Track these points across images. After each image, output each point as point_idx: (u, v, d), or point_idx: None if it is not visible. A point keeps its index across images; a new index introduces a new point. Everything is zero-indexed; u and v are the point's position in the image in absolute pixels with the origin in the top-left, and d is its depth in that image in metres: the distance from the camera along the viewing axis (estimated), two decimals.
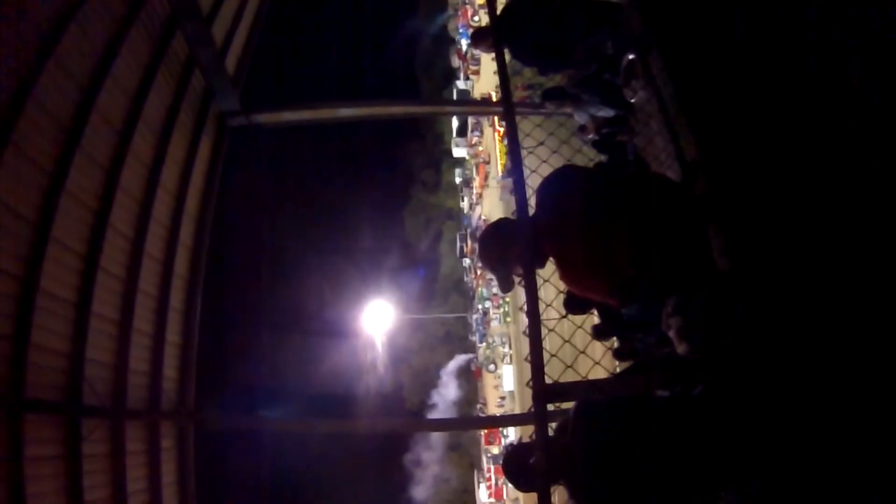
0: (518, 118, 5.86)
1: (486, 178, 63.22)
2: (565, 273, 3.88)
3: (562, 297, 4.60)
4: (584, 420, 3.47)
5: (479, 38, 6.07)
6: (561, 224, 3.80)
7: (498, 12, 5.41)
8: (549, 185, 3.98)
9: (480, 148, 65.66)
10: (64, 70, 4.63)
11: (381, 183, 70.64)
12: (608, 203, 3.78)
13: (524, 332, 3.42)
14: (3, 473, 4.01)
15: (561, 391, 3.39)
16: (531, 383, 3.29)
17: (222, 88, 7.20)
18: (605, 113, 5.79)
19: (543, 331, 3.47)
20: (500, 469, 4.00)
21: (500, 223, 4.07)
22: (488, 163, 62.15)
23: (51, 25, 4.50)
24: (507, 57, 5.30)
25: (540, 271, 3.73)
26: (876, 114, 3.18)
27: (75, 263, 4.89)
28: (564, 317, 4.74)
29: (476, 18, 62.31)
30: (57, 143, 4.62)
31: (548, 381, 3.28)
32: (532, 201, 3.92)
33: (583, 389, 3.54)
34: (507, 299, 55.25)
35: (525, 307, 3.45)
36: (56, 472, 4.62)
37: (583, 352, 4.54)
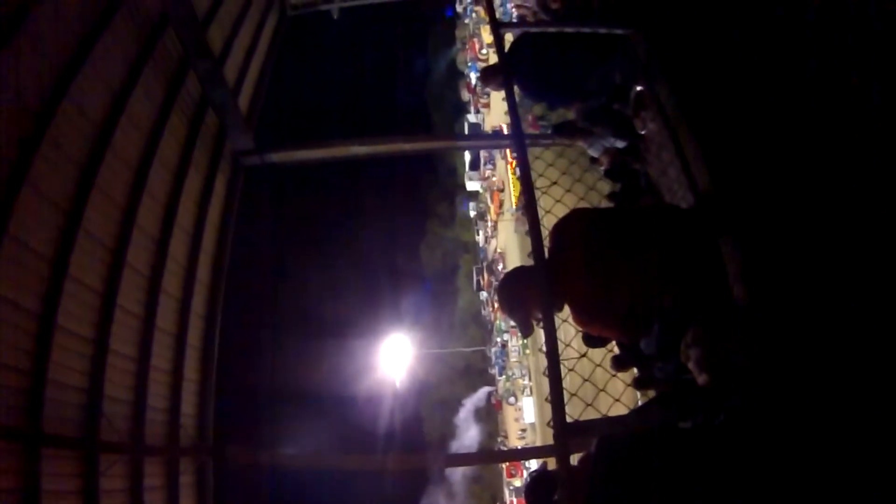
0: (531, 156, 5.95)
1: (500, 205, 63.18)
2: (578, 315, 3.92)
3: (580, 334, 4.62)
4: (606, 456, 3.47)
5: (489, 76, 6.14)
6: (572, 267, 3.84)
7: (505, 50, 5.48)
8: (561, 229, 4.04)
9: (494, 178, 65.68)
10: (80, 109, 4.73)
11: (396, 218, 70.67)
12: (617, 245, 3.83)
13: (544, 373, 3.46)
14: None
15: (581, 429, 3.42)
16: (551, 422, 3.33)
17: (235, 127, 7.30)
18: (617, 144, 5.82)
19: (563, 370, 3.51)
20: (523, 502, 3.98)
21: (517, 271, 4.14)
22: (503, 190, 62.13)
23: (66, 65, 4.60)
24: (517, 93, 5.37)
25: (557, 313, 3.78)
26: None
27: (93, 301, 4.95)
28: (584, 355, 4.77)
29: (484, 51, 62.82)
30: (73, 182, 4.69)
31: (568, 418, 3.31)
32: (546, 244, 3.99)
33: (603, 426, 3.57)
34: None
35: (544, 347, 3.49)
36: None
37: (602, 389, 4.57)
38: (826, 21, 3.63)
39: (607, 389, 4.64)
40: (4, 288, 3.96)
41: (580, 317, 3.91)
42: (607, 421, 3.67)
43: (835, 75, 3.55)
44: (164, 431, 5.99)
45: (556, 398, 3.32)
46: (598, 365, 4.70)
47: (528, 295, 3.88)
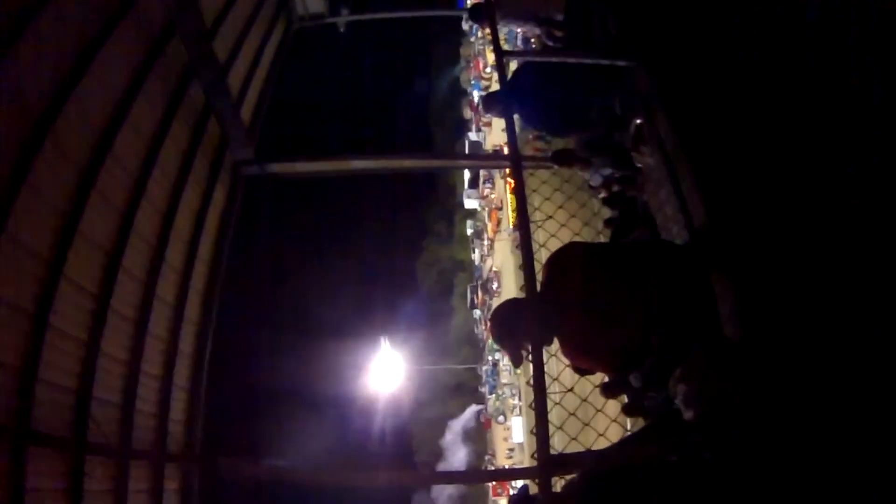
0: (534, 185, 5.98)
1: (498, 223, 63.28)
2: (568, 350, 3.96)
3: (568, 367, 4.65)
4: (593, 493, 3.49)
5: (490, 104, 6.20)
6: (563, 303, 3.88)
7: (508, 77, 5.53)
8: (555, 263, 4.08)
9: (493, 195, 65.82)
10: (82, 113, 4.75)
11: (393, 234, 70.73)
12: (609, 282, 3.87)
13: (531, 406, 3.49)
14: (4, 502, 4.02)
15: (567, 462, 3.44)
16: (536, 455, 3.35)
17: (237, 138, 7.33)
18: (615, 173, 5.87)
19: (550, 403, 3.53)
20: None
21: (510, 303, 4.18)
22: (500, 209, 62.25)
23: (70, 69, 4.64)
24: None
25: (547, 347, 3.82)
26: None
27: (87, 303, 4.95)
28: (570, 390, 4.80)
29: (488, 70, 63.20)
30: (73, 184, 4.71)
31: (554, 449, 3.34)
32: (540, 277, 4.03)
33: (588, 460, 3.59)
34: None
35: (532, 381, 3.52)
36: None
37: (587, 424, 4.60)
38: (826, 47, 3.67)
39: (594, 423, 4.67)
40: (2, 286, 3.97)
41: (570, 351, 3.94)
42: (592, 455, 3.69)
43: (835, 108, 3.59)
44: (152, 437, 5.97)
45: (542, 430, 3.34)
46: (584, 400, 4.73)
47: (519, 327, 3.91)
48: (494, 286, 63.39)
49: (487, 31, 6.36)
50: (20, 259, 4.18)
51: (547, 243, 5.54)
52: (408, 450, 65.59)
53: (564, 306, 3.88)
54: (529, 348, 3.75)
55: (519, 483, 3.95)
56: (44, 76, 4.39)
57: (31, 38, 4.17)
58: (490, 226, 66.60)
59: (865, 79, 3.43)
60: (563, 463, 3.45)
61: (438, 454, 66.15)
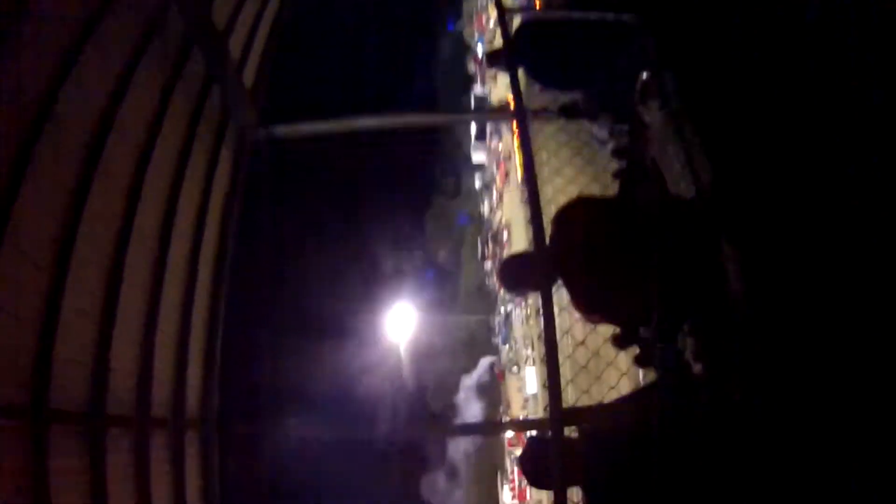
0: (540, 141, 5.94)
1: (506, 175, 63.01)
2: (578, 305, 3.97)
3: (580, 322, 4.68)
4: (596, 443, 3.53)
5: (494, 59, 6.15)
6: (572, 259, 3.88)
7: (512, 33, 5.47)
8: (563, 219, 4.07)
9: (500, 147, 65.46)
10: (83, 90, 4.73)
11: (401, 189, 70.56)
12: (617, 239, 3.86)
13: (542, 360, 3.52)
14: (28, 485, 4.06)
15: (577, 415, 3.48)
16: (549, 405, 3.39)
17: (241, 103, 7.32)
18: (622, 127, 5.84)
19: (561, 357, 3.56)
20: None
21: (517, 255, 4.20)
22: (509, 159, 61.96)
23: (68, 48, 4.60)
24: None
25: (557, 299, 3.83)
26: None
27: (100, 277, 5.00)
28: (581, 343, 4.83)
29: (491, 25, 62.37)
30: (78, 164, 4.72)
31: (570, 397, 3.38)
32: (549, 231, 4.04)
33: (598, 413, 3.63)
34: (530, 301, 55.03)
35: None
36: (81, 481, 4.69)
37: (598, 377, 4.62)
38: (826, 19, 3.63)
39: (606, 376, 4.70)
40: (11, 267, 4.00)
41: (579, 306, 3.96)
42: (602, 408, 3.73)
43: (835, 72, 3.55)
44: (170, 404, 6.06)
45: (554, 385, 3.38)
46: (596, 353, 4.76)
47: (527, 280, 3.95)
48: (504, 238, 63.35)
49: None
50: (30, 237, 4.21)
51: (555, 198, 5.54)
52: (422, 403, 66.10)
53: (572, 262, 3.89)
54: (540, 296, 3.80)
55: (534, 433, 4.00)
56: (42, 55, 4.36)
57: (28, 16, 4.14)
58: (498, 177, 66.32)
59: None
60: (574, 416, 3.49)
61: (453, 407, 66.69)
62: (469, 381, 68.72)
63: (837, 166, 3.49)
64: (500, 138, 65.56)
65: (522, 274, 4.11)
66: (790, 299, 3.63)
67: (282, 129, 8.02)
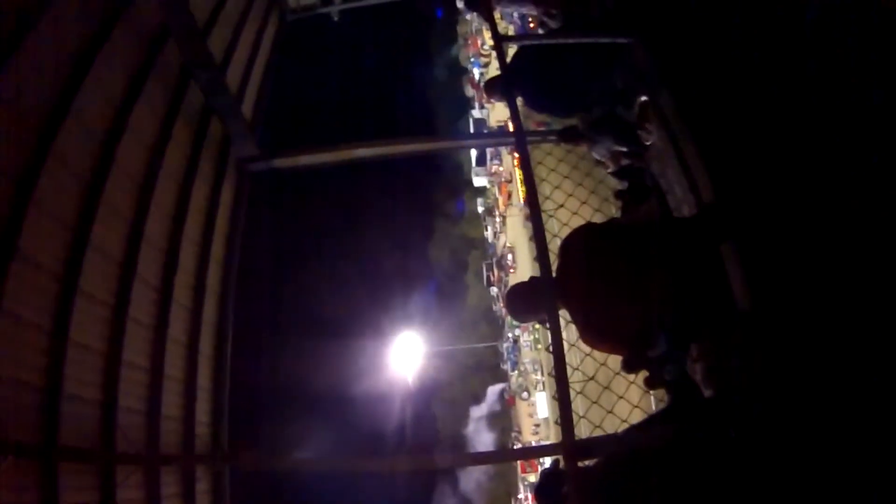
0: (539, 157, 5.95)
1: (509, 197, 63.16)
2: (585, 335, 3.95)
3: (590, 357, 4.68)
4: (614, 470, 3.50)
5: (492, 88, 6.17)
6: (577, 288, 3.88)
7: (508, 60, 5.49)
8: (568, 247, 4.08)
9: (501, 169, 65.65)
10: (83, 125, 4.74)
11: (403, 216, 70.61)
12: (621, 264, 3.85)
13: (553, 397, 3.52)
14: None
15: (591, 446, 3.46)
16: (562, 440, 3.38)
17: (240, 134, 7.32)
18: (621, 148, 5.85)
19: (572, 393, 3.56)
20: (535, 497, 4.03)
21: (524, 283, 4.21)
22: (510, 181, 62.12)
23: (67, 81, 4.63)
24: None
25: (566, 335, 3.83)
26: None
27: (104, 314, 4.97)
28: (591, 378, 4.82)
29: (486, 47, 62.86)
30: (79, 197, 4.72)
31: (582, 432, 3.36)
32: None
33: (612, 443, 3.61)
34: (537, 326, 54.87)
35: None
36: None
37: (610, 412, 4.61)
38: (826, 23, 3.63)
39: (617, 410, 4.70)
40: (15, 305, 3.99)
41: (588, 335, 3.94)
42: (616, 438, 3.71)
43: (835, 79, 3.55)
44: (180, 440, 6.03)
45: (566, 419, 3.38)
46: (606, 388, 4.76)
47: (535, 307, 3.96)
48: (509, 261, 63.42)
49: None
50: (32, 277, 4.21)
51: (557, 213, 5.56)
52: (431, 432, 65.85)
53: (578, 289, 3.89)
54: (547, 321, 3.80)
55: (547, 460, 3.97)
56: (42, 90, 4.39)
57: (26, 52, 4.17)
58: (501, 199, 66.45)
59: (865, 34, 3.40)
60: (588, 448, 3.48)
61: (463, 434, 66.45)
62: (478, 411, 68.50)
63: (840, 172, 3.48)
64: (501, 161, 65.82)
65: (530, 301, 4.11)
66: (797, 312, 3.61)
67: (281, 160, 8.02)
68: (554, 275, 3.97)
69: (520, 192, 56.60)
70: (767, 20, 4.15)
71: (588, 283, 3.85)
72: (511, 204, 62.84)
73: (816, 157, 3.64)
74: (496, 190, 68.51)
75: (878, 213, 3.24)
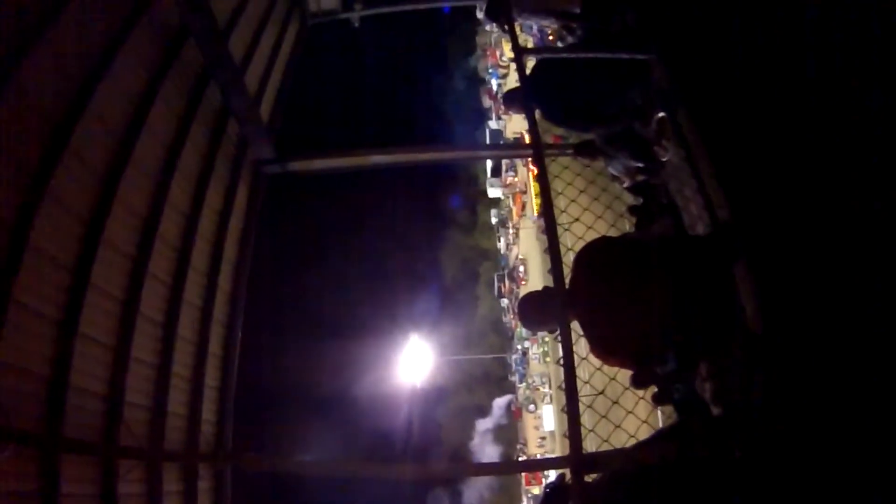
0: (556, 170, 5.95)
1: (523, 207, 63.03)
2: (596, 349, 3.95)
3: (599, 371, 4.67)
4: (619, 487, 3.48)
5: (511, 100, 6.18)
6: (589, 301, 3.88)
7: (527, 72, 5.49)
8: (582, 260, 4.07)
9: (516, 179, 65.54)
10: (101, 121, 4.79)
11: (416, 225, 70.64)
12: (633, 280, 3.84)
13: (562, 410, 3.52)
14: None
15: (599, 461, 3.45)
16: (569, 453, 3.37)
17: (257, 136, 7.35)
18: (637, 164, 5.83)
19: (581, 406, 3.55)
20: None
21: (536, 293, 4.21)
22: (525, 192, 62.01)
23: (87, 77, 4.68)
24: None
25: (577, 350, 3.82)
26: None
27: (114, 309, 5.00)
28: (601, 393, 4.81)
29: (505, 59, 62.84)
30: (94, 192, 4.76)
31: (589, 446, 3.35)
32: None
33: (620, 458, 3.59)
34: (547, 339, 54.79)
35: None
36: None
37: (618, 426, 4.60)
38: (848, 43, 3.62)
39: (625, 425, 4.68)
40: (26, 297, 4.01)
41: (598, 349, 3.93)
42: (624, 453, 3.69)
43: (856, 102, 3.53)
44: (183, 437, 6.04)
45: (574, 433, 3.37)
46: (615, 402, 4.74)
47: (547, 317, 3.96)
48: (521, 273, 63.31)
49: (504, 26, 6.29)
50: (45, 269, 4.24)
51: (571, 227, 5.56)
52: (437, 441, 65.66)
53: (591, 303, 3.88)
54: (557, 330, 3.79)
55: (552, 473, 3.96)
56: (61, 85, 4.43)
57: (49, 46, 4.21)
58: (515, 209, 66.27)
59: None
60: (595, 463, 3.46)
61: (469, 444, 66.21)
62: (484, 422, 68.28)
63: (857, 196, 3.46)
64: (516, 173, 65.73)
65: (542, 311, 4.10)
66: (808, 335, 3.59)
67: (296, 164, 8.05)
68: (567, 286, 3.96)
69: (534, 203, 56.44)
70: (787, 42, 4.14)
71: (600, 297, 3.84)
72: (524, 215, 62.70)
73: (833, 180, 3.62)
74: (510, 200, 68.39)
75: (893, 239, 3.23)
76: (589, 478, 3.53)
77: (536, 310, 4.15)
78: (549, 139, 9.37)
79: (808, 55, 3.91)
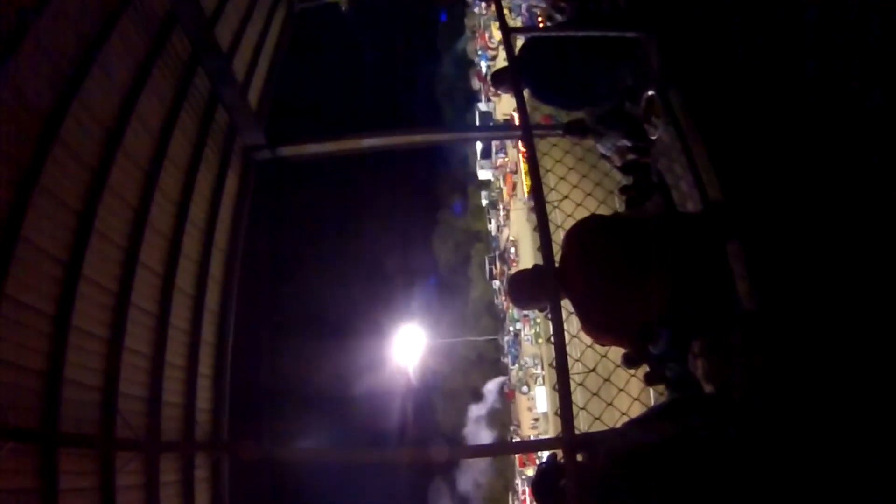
0: (545, 148, 5.93)
1: (514, 187, 62.95)
2: (588, 327, 3.94)
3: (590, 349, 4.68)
4: (616, 467, 3.49)
5: (499, 79, 6.14)
6: (581, 279, 3.87)
7: (516, 52, 5.46)
8: (572, 239, 4.06)
9: (506, 159, 65.42)
10: (89, 111, 4.75)
11: (407, 208, 70.51)
12: (626, 258, 3.84)
13: (554, 388, 3.51)
14: None
15: (591, 441, 3.46)
16: (562, 433, 3.38)
17: (246, 123, 7.32)
18: (627, 143, 5.82)
19: (572, 384, 3.55)
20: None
21: (526, 270, 4.19)
22: (515, 172, 61.92)
23: (75, 67, 4.64)
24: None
25: (567, 327, 3.82)
26: None
27: (107, 300, 4.99)
28: (592, 370, 4.82)
29: (494, 41, 62.64)
30: (85, 183, 4.73)
31: (582, 425, 3.36)
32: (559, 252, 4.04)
33: (612, 438, 3.60)
34: (539, 320, 54.89)
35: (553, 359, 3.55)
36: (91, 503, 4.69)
37: (610, 404, 4.61)
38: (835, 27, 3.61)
39: (617, 402, 4.70)
40: (19, 291, 3.99)
41: (589, 327, 3.93)
42: (615, 433, 3.70)
43: (851, 75, 3.53)
44: (180, 427, 6.04)
45: (566, 411, 3.37)
46: (607, 380, 4.76)
47: (537, 294, 3.94)
48: (512, 256, 63.34)
49: (492, 6, 6.26)
50: (36, 261, 4.21)
51: (561, 204, 5.56)
52: (431, 423, 65.82)
53: (582, 279, 3.88)
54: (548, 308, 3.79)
55: (545, 454, 3.96)
56: (49, 76, 4.40)
57: (35, 37, 4.17)
58: (506, 189, 66.08)
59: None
60: (587, 443, 3.47)
61: (462, 427, 66.35)
62: (478, 404, 68.45)
63: (845, 173, 3.46)
64: (506, 154, 65.62)
65: (532, 288, 4.09)
66: (800, 313, 3.60)
67: (286, 149, 8.02)
68: (557, 264, 3.95)
69: (524, 184, 56.36)
70: (777, 21, 4.12)
71: (591, 275, 3.84)
72: (515, 195, 62.62)
73: (822, 156, 3.62)
74: (501, 180, 68.27)
75: (883, 218, 3.23)
76: (582, 457, 3.55)
77: (526, 287, 4.13)
78: (538, 118, 9.36)
79: (799, 33, 3.90)
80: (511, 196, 64.61)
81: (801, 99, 3.85)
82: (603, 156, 6.24)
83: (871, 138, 3.34)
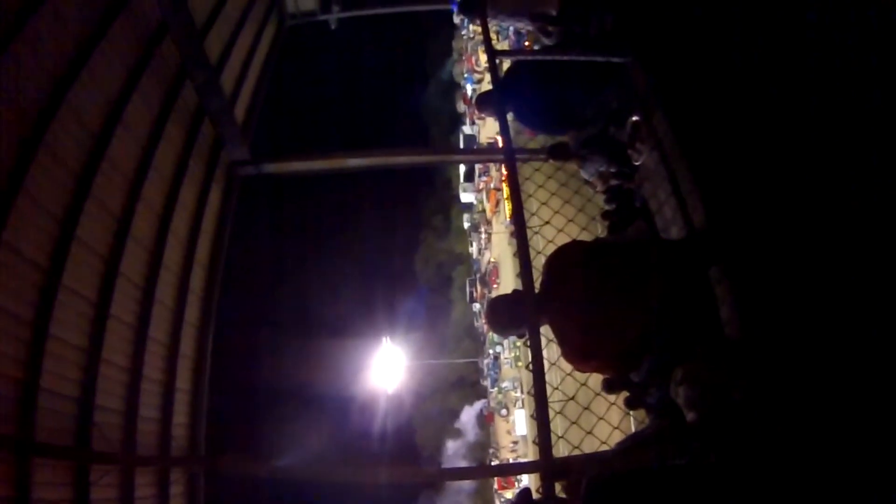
0: (527, 172, 5.94)
1: (497, 204, 63.03)
2: (568, 354, 3.94)
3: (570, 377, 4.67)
4: (595, 496, 3.48)
5: (483, 103, 6.14)
6: (563, 304, 3.87)
7: (501, 75, 5.48)
8: (553, 264, 4.06)
9: (491, 176, 65.51)
10: (76, 117, 4.74)
11: (391, 229, 70.54)
12: (608, 284, 3.84)
13: (532, 416, 3.50)
14: None
15: (569, 467, 3.44)
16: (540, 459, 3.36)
17: (231, 138, 7.30)
18: (611, 168, 5.83)
19: (551, 413, 3.54)
20: None
21: (505, 295, 4.18)
22: (500, 190, 62.01)
23: (64, 72, 4.62)
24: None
25: (547, 354, 3.81)
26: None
27: (86, 310, 4.94)
28: (571, 398, 4.81)
29: (480, 64, 62.93)
30: (68, 190, 4.71)
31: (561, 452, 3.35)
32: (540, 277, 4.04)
33: (591, 465, 3.58)
34: (518, 344, 54.79)
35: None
36: None
37: (589, 433, 4.61)
38: (820, 47, 3.65)
39: (597, 431, 4.69)
40: (0, 296, 3.96)
41: (570, 353, 3.92)
42: (595, 460, 3.69)
43: (833, 103, 3.56)
44: (156, 442, 5.97)
45: (544, 439, 3.36)
46: (586, 408, 4.75)
47: (516, 320, 3.93)
48: (493, 278, 63.35)
49: (479, 27, 6.28)
50: (17, 267, 4.17)
51: (542, 230, 5.55)
52: (411, 445, 65.52)
53: (563, 307, 3.87)
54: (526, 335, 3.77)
55: (525, 478, 3.95)
56: (37, 81, 4.38)
57: (26, 41, 4.17)
58: (489, 206, 66.18)
59: (863, 76, 3.42)
60: (566, 469, 3.45)
61: (442, 449, 66.08)
62: (457, 426, 68.24)
63: (832, 200, 3.49)
64: (490, 176, 65.75)
65: (511, 314, 4.06)
66: (787, 340, 3.62)
67: (271, 166, 8.00)
68: (537, 290, 3.94)
69: (505, 206, 56.46)
70: (763, 45, 4.17)
71: (571, 301, 3.83)
72: (498, 212, 62.71)
73: (806, 183, 3.65)
74: (484, 202, 68.38)
75: (868, 243, 3.26)
76: (562, 486, 3.54)
77: (505, 313, 4.09)
78: (522, 143, 9.37)
79: (782, 60, 3.95)
80: (494, 213, 64.69)
81: (785, 125, 3.88)
82: (586, 181, 6.25)
83: (854, 168, 3.38)
